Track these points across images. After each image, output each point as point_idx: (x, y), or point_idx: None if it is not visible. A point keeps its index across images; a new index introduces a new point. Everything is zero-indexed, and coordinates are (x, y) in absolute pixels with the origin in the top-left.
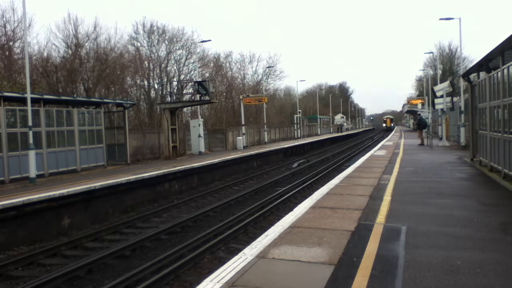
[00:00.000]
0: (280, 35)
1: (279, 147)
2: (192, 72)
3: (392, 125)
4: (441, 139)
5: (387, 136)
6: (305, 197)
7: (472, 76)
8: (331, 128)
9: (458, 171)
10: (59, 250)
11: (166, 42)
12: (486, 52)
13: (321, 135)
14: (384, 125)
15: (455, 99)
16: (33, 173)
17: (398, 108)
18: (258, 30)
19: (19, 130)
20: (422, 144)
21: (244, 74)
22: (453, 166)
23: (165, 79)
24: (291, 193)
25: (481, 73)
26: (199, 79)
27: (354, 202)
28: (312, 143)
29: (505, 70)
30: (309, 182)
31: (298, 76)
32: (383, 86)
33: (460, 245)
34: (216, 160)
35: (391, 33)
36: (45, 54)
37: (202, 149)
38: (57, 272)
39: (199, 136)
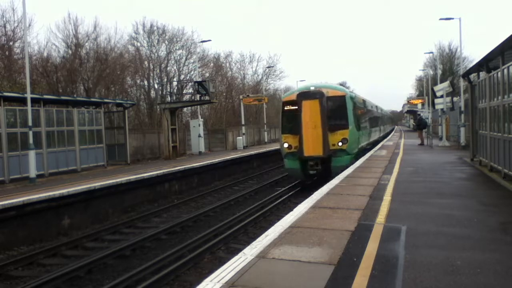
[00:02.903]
0: (280, 35)
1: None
2: (192, 72)
3: (340, 144)
4: (441, 139)
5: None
6: (305, 197)
7: (472, 76)
8: None
9: (458, 171)
10: (59, 250)
11: (166, 42)
12: (486, 52)
13: None
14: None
15: (455, 99)
16: (33, 173)
17: (398, 108)
18: (258, 30)
19: (19, 130)
20: (422, 144)
21: (244, 74)
22: (453, 166)
23: (165, 79)
24: (291, 193)
25: (481, 73)
26: (199, 79)
27: (354, 202)
28: None
29: (505, 70)
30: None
31: (298, 76)
32: (383, 86)
33: (460, 245)
34: (216, 160)
35: (391, 33)
36: (45, 54)
37: (202, 149)
38: (57, 272)
39: (199, 136)
